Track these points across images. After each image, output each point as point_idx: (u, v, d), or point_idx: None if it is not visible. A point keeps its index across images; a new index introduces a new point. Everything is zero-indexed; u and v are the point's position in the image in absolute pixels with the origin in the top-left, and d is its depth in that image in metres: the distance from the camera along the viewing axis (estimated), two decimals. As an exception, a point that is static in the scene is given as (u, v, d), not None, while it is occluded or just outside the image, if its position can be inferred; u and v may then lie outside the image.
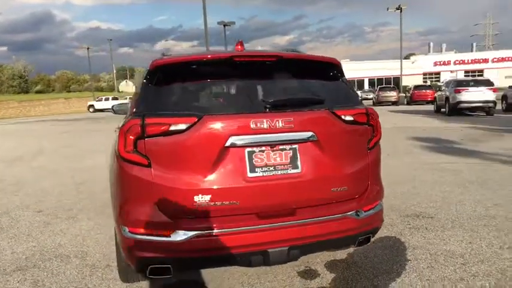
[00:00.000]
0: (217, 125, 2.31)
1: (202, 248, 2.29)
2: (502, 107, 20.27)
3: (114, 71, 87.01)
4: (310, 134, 2.42)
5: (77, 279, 3.20)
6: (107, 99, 47.89)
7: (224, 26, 38.65)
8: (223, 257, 2.37)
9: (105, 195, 5.77)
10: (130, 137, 2.30)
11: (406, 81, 45.44)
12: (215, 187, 2.29)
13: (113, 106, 4.86)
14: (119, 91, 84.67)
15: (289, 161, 2.40)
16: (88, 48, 60.15)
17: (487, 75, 48.84)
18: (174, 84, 2.54)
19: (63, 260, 3.58)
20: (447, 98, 19.04)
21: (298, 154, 2.42)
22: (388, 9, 42.37)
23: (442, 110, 20.09)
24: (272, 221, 2.36)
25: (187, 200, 2.28)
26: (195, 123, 2.29)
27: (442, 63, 63.81)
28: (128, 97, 48.60)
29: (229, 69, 2.60)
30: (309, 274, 3.15)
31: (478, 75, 52.55)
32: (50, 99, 56.92)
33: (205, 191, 2.28)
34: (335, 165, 2.50)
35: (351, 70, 50.16)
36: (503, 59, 60.57)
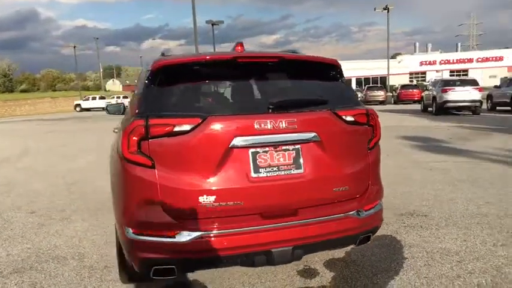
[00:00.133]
0: (221, 126, 2.32)
1: (207, 248, 2.29)
2: (487, 106, 20.66)
3: (101, 70, 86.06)
4: (313, 134, 2.45)
5: (75, 281, 3.18)
6: (94, 98, 47.40)
7: (212, 25, 38.52)
8: (227, 258, 2.37)
9: (98, 195, 5.80)
10: (134, 138, 2.29)
11: (392, 81, 45.87)
12: (219, 188, 2.30)
13: (107, 106, 4.84)
14: (105, 90, 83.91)
15: (292, 161, 2.43)
16: (75, 47, 59.30)
17: (471, 74, 49.69)
18: (176, 85, 2.53)
19: (60, 262, 3.55)
20: (434, 98, 19.30)
21: (301, 154, 2.44)
22: (375, 9, 42.72)
23: (429, 109, 20.36)
24: (276, 221, 2.38)
25: (191, 200, 2.28)
26: (199, 124, 2.29)
27: (427, 63, 64.56)
28: (116, 96, 48.18)
29: (231, 70, 2.61)
30: (308, 273, 3.18)
31: (463, 75, 53.42)
32: (36, 98, 56.12)
33: (209, 192, 2.29)
34: (337, 165, 2.53)
35: (339, 70, 50.18)
36: (487, 59, 61.56)
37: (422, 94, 23.12)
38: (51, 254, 3.74)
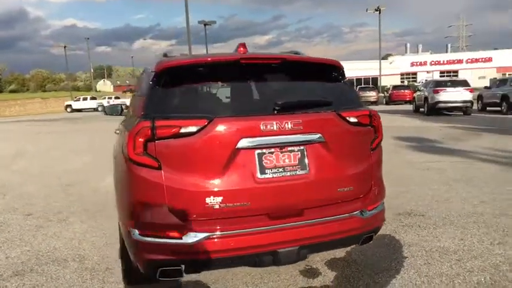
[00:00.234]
0: (228, 127, 2.33)
1: (214, 249, 2.31)
2: (478, 107, 20.93)
3: (92, 70, 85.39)
4: (318, 135, 2.48)
5: (77, 283, 3.16)
6: (85, 99, 46.95)
7: (205, 25, 38.48)
8: (233, 258, 2.39)
9: (95, 197, 5.77)
10: (140, 139, 2.30)
11: (384, 82, 46.19)
12: (226, 189, 2.31)
13: (105, 107, 4.83)
14: (96, 90, 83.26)
15: (297, 162, 2.45)
16: (65, 47, 58.68)
17: (461, 75, 50.23)
18: (181, 86, 2.54)
19: (61, 264, 3.53)
20: (426, 98, 19.49)
21: (306, 155, 2.47)
22: (367, 10, 43.00)
23: (421, 109, 20.56)
24: (282, 222, 2.40)
25: (198, 201, 2.29)
26: (205, 126, 2.30)
27: (418, 63, 65.11)
28: (108, 97, 47.83)
29: (235, 71, 2.62)
30: (310, 273, 3.21)
31: (453, 76, 53.94)
32: (26, 99, 55.53)
33: (216, 193, 2.30)
34: (341, 165, 2.56)
35: (331, 70, 50.35)
36: (476, 60, 62.27)
37: (414, 95, 23.32)
38: (51, 256, 3.72)
